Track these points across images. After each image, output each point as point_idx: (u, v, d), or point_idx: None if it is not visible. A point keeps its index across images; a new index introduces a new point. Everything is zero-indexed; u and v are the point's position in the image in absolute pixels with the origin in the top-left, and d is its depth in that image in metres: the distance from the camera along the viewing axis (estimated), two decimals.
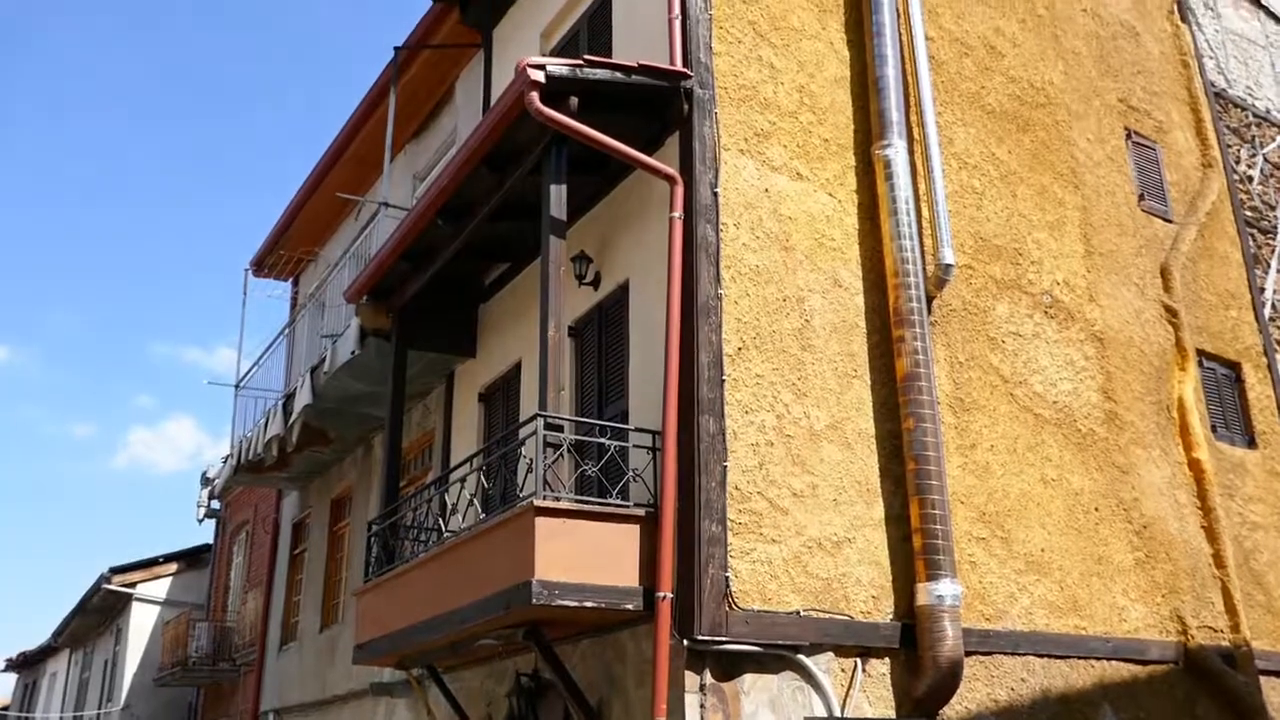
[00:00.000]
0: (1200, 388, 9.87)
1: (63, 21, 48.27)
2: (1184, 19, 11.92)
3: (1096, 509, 8.51)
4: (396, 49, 11.77)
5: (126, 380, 56.72)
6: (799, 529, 6.77)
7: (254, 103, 53.19)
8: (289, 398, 11.90)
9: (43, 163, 51.03)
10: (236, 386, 14.13)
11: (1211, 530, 9.24)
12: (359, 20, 50.49)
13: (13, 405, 55.86)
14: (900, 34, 8.60)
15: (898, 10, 8.63)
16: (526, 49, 10.09)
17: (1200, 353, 10.06)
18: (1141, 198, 10.28)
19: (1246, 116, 12.34)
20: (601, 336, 7.97)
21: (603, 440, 6.80)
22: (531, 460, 6.46)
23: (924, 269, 7.89)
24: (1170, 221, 10.48)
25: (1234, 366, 10.44)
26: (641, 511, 6.51)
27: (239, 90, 52.82)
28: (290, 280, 17.19)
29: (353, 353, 10.01)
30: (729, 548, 6.40)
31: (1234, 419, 10.20)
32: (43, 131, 49.94)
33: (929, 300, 7.98)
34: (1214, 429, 9.85)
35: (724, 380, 6.71)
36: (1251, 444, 10.17)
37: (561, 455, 6.52)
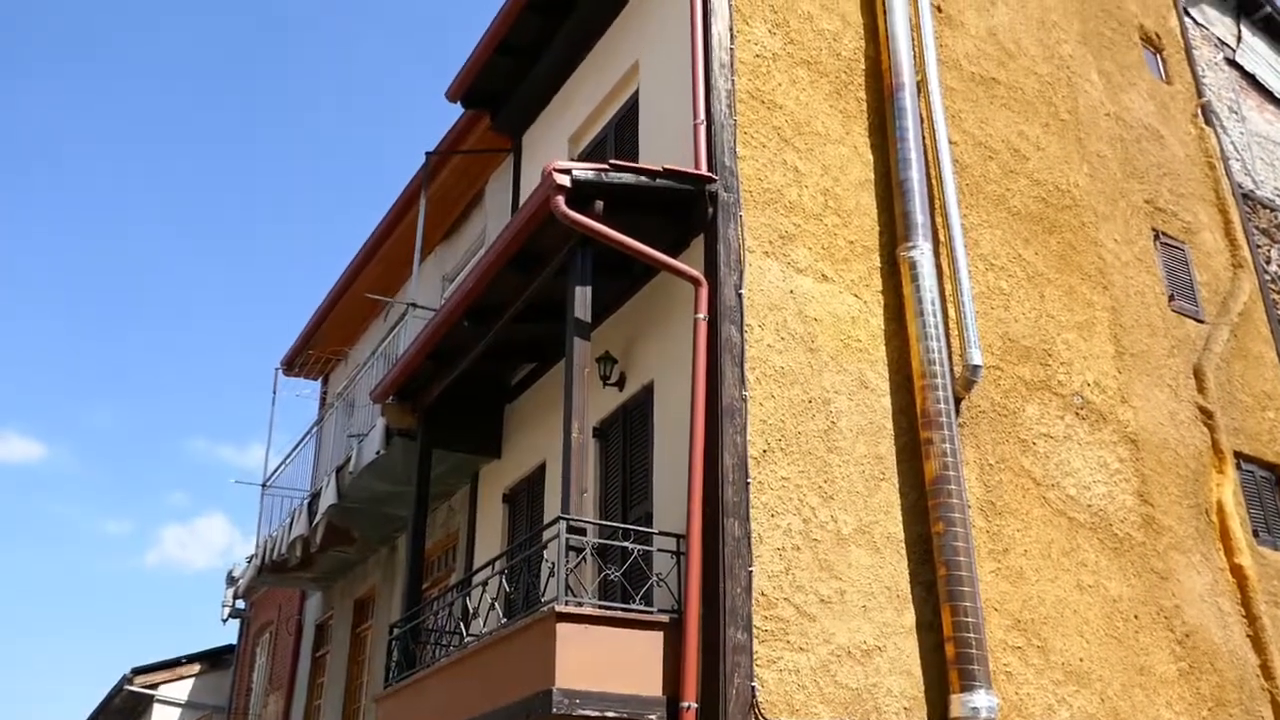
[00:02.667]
0: (1239, 491, 9.63)
1: (91, 150, 50.14)
2: (1208, 122, 12.00)
3: (1136, 617, 8.24)
4: (428, 154, 12.04)
5: (161, 478, 57.05)
6: (827, 636, 6.59)
7: (287, 207, 54.53)
8: (314, 497, 11.88)
9: (80, 263, 52.40)
10: (263, 486, 14.13)
11: (1258, 639, 8.90)
12: (393, 123, 51.94)
13: (47, 502, 56.21)
14: (924, 138, 8.70)
15: (921, 116, 8.75)
16: (555, 153, 10.29)
17: (1238, 455, 9.85)
18: (1172, 298, 10.21)
19: (1276, 217, 12.30)
20: (626, 438, 7.92)
21: (626, 544, 6.69)
22: (554, 564, 6.36)
23: (951, 370, 7.82)
24: (1202, 322, 10.38)
25: (1273, 469, 10.20)
26: (665, 618, 6.36)
27: (272, 195, 54.23)
28: (320, 379, 17.33)
29: (378, 452, 10.01)
30: (755, 656, 6.22)
31: (1276, 523, 9.92)
32: (77, 237, 51.48)
33: (957, 402, 7.89)
34: (1255, 534, 9.58)
35: (749, 483, 6.62)
36: None
37: (584, 559, 6.42)
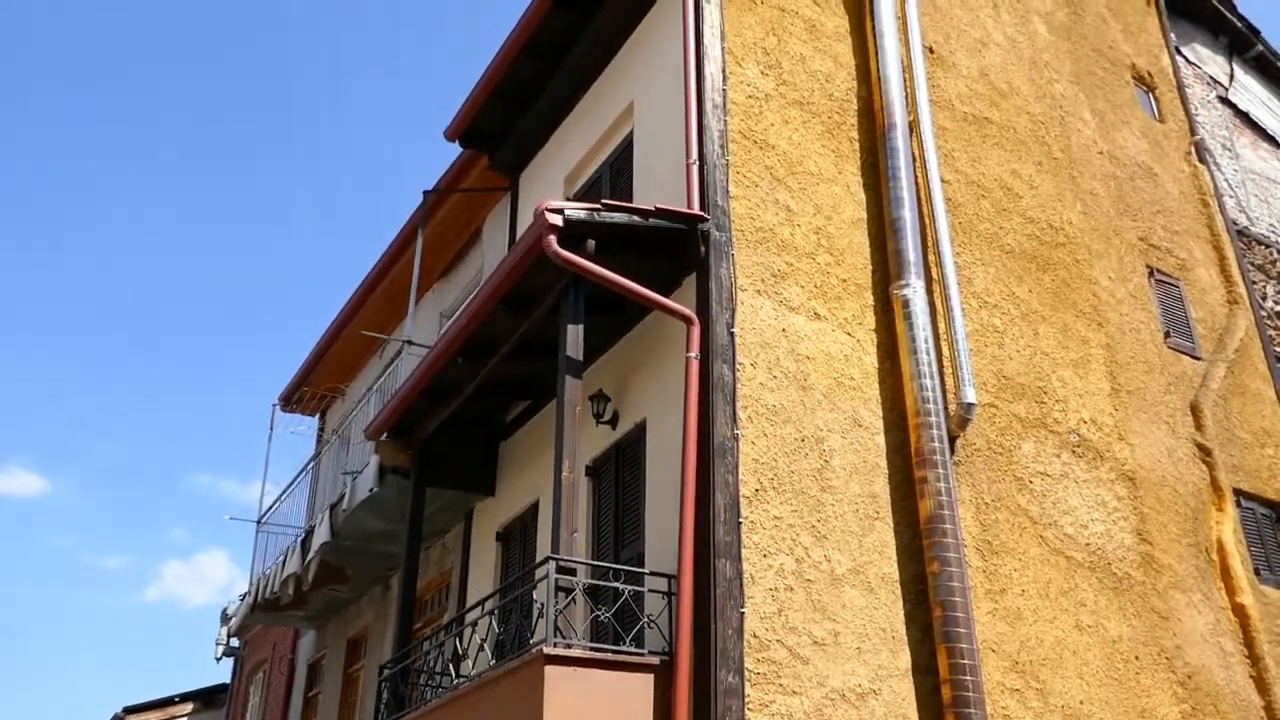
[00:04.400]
0: (1240, 529, 9.56)
1: (95, 189, 50.51)
2: (1202, 160, 12.04)
3: (1137, 657, 8.14)
4: (426, 193, 12.09)
5: (163, 513, 56.80)
6: (821, 679, 6.51)
7: (289, 241, 54.80)
8: (308, 534, 11.81)
9: (84, 299, 52.56)
10: (258, 522, 14.06)
11: (1262, 680, 8.79)
12: (393, 161, 52.25)
13: (47, 536, 55.94)
14: (916, 177, 8.72)
15: (913, 155, 8.78)
16: (551, 192, 10.34)
17: (1238, 492, 9.79)
18: (1168, 335, 10.19)
19: (1271, 253, 12.31)
20: (619, 476, 7.88)
21: (616, 585, 6.63)
22: (543, 605, 6.30)
23: (946, 408, 7.79)
24: (1198, 359, 10.35)
25: (1274, 506, 10.13)
26: (656, 660, 6.29)
27: (274, 231, 54.50)
28: (318, 416, 17.30)
29: (371, 490, 9.96)
30: (747, 700, 6.14)
31: (1278, 561, 9.83)
32: (91, 282, 51.76)
33: (952, 440, 7.85)
34: (1257, 572, 9.49)
35: (741, 522, 6.57)
36: None
37: (574, 600, 6.36)
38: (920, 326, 7.85)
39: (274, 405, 15.97)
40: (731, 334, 7.15)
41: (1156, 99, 12.20)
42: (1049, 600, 7.87)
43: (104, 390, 54.95)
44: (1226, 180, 12.39)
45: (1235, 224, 11.97)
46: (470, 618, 7.80)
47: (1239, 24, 13.60)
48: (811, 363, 7.51)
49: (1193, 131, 12.21)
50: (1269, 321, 11.57)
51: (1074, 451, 8.72)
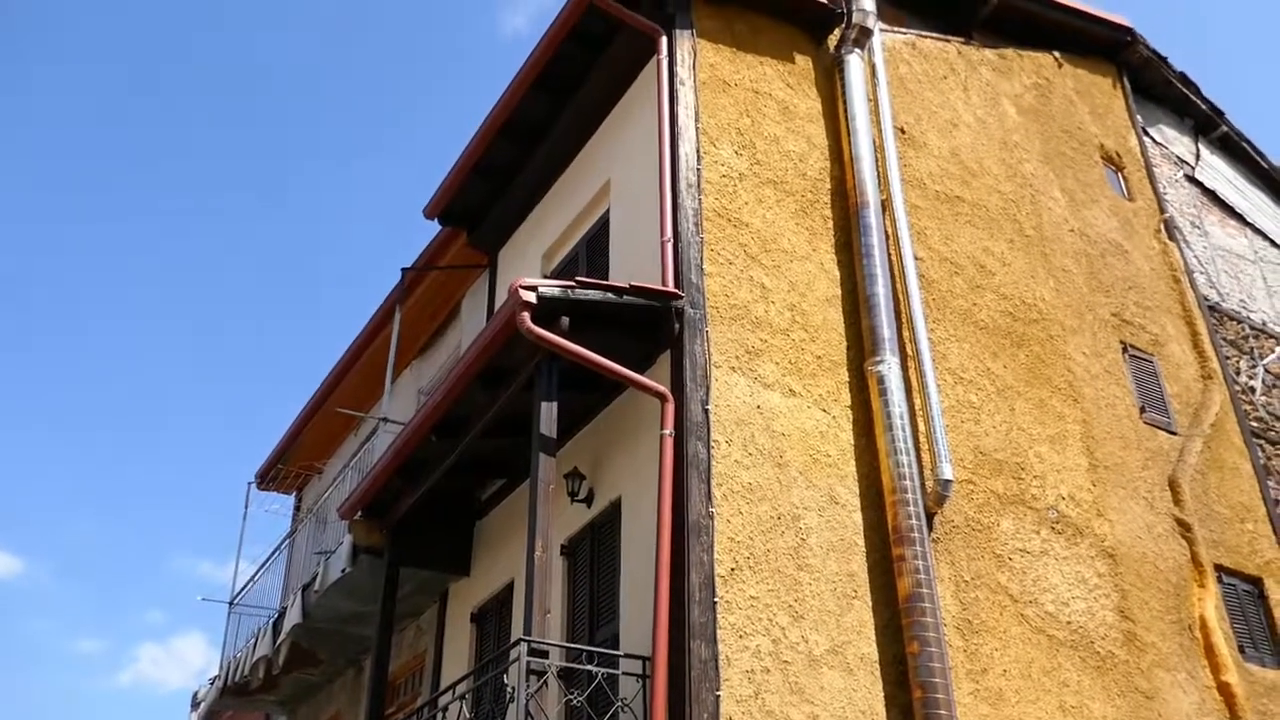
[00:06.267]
0: (1222, 605, 9.48)
1: (68, 268, 50.67)
2: (1171, 237, 12.22)
3: None
4: (404, 270, 12.13)
5: (139, 595, 55.70)
6: None
7: (266, 321, 54.76)
8: (280, 616, 11.57)
9: (62, 378, 52.22)
10: (230, 603, 13.78)
11: None
12: (371, 238, 52.55)
13: (22, 619, 54.67)
14: (890, 254, 8.81)
15: (886, 233, 8.88)
16: (529, 269, 10.38)
17: (1219, 568, 9.73)
18: (1143, 410, 10.22)
19: (1243, 329, 12.44)
20: (594, 556, 7.78)
21: (590, 667, 6.50)
22: (514, 688, 6.15)
23: (923, 485, 7.75)
24: (1174, 434, 10.37)
25: (1256, 582, 10.06)
26: None
27: (252, 310, 54.50)
28: (294, 494, 17.09)
29: (344, 570, 9.79)
30: None
31: (1261, 638, 9.74)
32: (70, 362, 51.53)
33: (930, 517, 7.79)
34: (1241, 649, 9.39)
35: (716, 602, 6.47)
36: None
37: (545, 683, 6.21)
38: (896, 402, 7.85)
39: (249, 484, 15.75)
40: (706, 411, 7.13)
41: (1125, 178, 12.42)
42: (1031, 680, 7.75)
43: (80, 471, 54.32)
44: (1196, 257, 12.56)
45: (1206, 300, 12.11)
46: (442, 702, 7.62)
47: (1204, 106, 13.92)
48: (787, 440, 7.48)
49: (1162, 209, 12.42)
50: (1243, 396, 11.64)
51: (1053, 528, 8.67)
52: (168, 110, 48.87)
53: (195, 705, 17.28)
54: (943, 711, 6.77)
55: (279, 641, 11.11)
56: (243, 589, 13.77)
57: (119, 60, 48.35)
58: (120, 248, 52.04)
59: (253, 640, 12.09)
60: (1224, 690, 8.93)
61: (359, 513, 9.52)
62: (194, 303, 52.68)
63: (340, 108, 51.33)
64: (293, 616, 10.82)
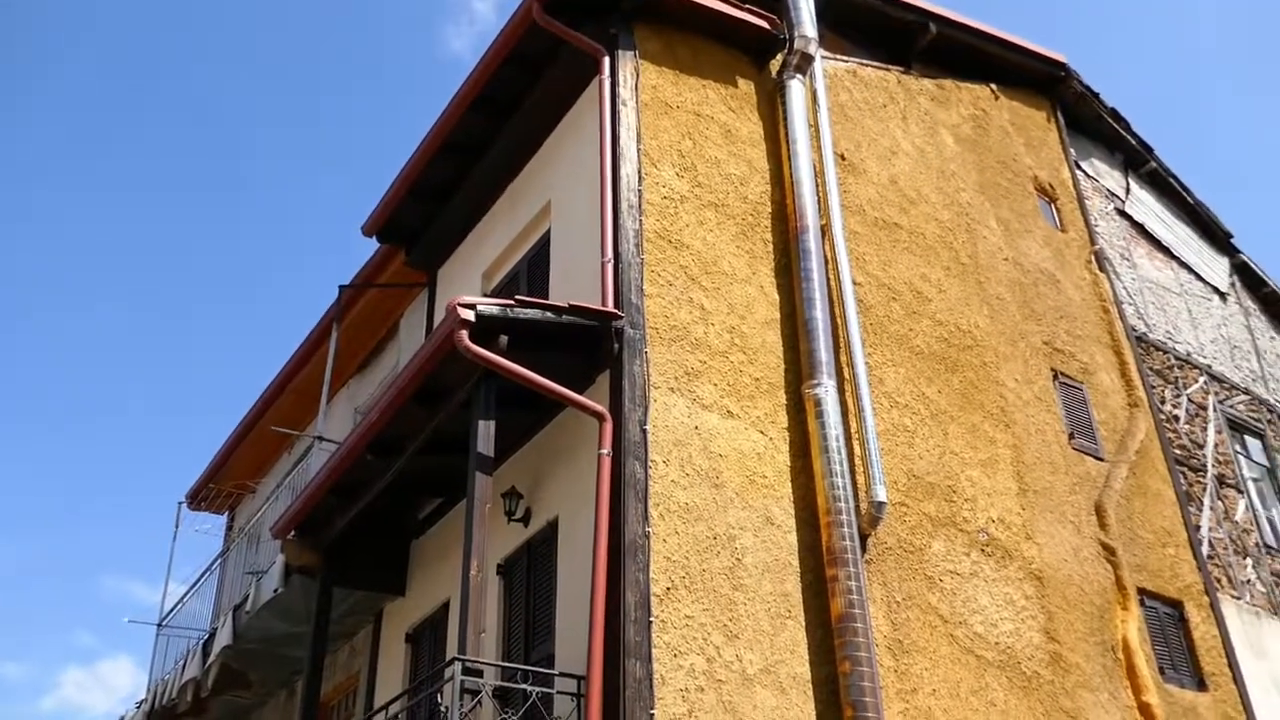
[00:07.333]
0: (1144, 628, 9.71)
1: (50, 301, 49.36)
2: (1102, 268, 12.56)
3: None
4: (342, 287, 12.03)
5: (67, 616, 53.99)
6: None
7: (200, 337, 53.73)
8: (210, 637, 11.34)
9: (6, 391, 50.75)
10: (159, 625, 13.47)
11: None
12: (309, 255, 51.90)
13: None
14: (829, 279, 8.94)
15: (825, 257, 9.01)
16: (469, 288, 10.35)
17: (1142, 591, 9.97)
18: (1072, 436, 10.46)
19: (1169, 359, 12.80)
20: (530, 575, 7.75)
21: (525, 686, 6.47)
22: (448, 708, 6.10)
23: (857, 507, 7.85)
24: (1101, 460, 10.63)
25: (1177, 605, 10.32)
26: None
27: (187, 326, 53.46)
28: (227, 514, 16.78)
29: (276, 590, 9.64)
30: None
31: (1181, 660, 9.98)
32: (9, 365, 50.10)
33: (863, 538, 7.89)
34: (1162, 671, 9.62)
35: (651, 621, 6.48)
36: (1202, 686, 9.91)
37: (479, 703, 6.17)
38: (832, 425, 7.95)
39: (180, 503, 15.45)
40: (644, 431, 7.16)
41: (1058, 209, 12.76)
42: (960, 700, 7.86)
43: (6, 490, 52.70)
44: (1125, 288, 12.92)
45: (1134, 330, 12.45)
46: None
47: (1134, 141, 14.36)
48: (724, 460, 7.54)
49: (1092, 241, 12.76)
50: (1167, 425, 11.97)
51: (983, 550, 8.82)
52: (109, 125, 47.94)
53: None
54: None
55: (209, 663, 10.88)
56: (172, 610, 13.49)
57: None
58: (41, 258, 50.85)
59: (181, 662, 11.83)
60: (1145, 711, 9.13)
61: (292, 532, 9.38)
62: (127, 316, 51.54)
63: (279, 123, 50.77)
64: (223, 638, 10.61)
